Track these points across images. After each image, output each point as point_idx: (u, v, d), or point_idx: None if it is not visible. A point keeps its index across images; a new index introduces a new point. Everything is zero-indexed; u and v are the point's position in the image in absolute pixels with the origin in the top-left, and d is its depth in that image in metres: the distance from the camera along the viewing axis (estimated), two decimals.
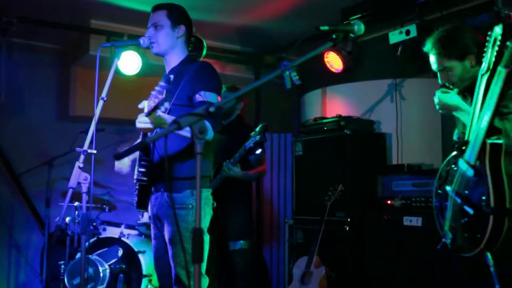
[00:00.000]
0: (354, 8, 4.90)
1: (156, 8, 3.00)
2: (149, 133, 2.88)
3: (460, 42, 2.56)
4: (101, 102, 2.87)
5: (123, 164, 3.26)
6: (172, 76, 2.96)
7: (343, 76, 5.29)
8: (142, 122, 2.58)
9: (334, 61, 5.14)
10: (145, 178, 2.86)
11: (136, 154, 3.10)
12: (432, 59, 2.63)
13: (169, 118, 2.62)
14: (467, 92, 2.63)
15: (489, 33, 2.18)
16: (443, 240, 2.60)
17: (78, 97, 5.72)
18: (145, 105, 2.52)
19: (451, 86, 2.60)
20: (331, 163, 4.69)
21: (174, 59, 2.99)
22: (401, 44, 4.57)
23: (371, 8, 4.81)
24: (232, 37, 5.84)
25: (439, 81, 2.63)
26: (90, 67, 3.01)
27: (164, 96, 2.37)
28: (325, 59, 5.18)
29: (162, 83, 2.47)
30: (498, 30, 2.08)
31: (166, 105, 2.51)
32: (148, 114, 2.50)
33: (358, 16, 4.79)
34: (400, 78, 5.06)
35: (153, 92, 2.44)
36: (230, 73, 6.04)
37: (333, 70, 5.19)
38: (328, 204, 4.41)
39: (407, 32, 4.45)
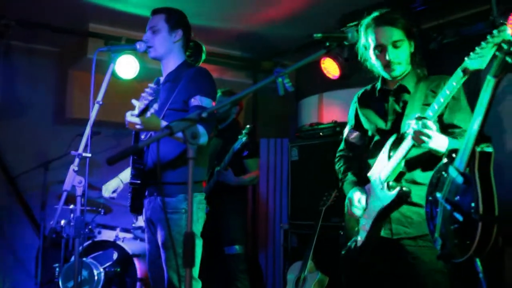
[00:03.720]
0: (352, 15, 4.92)
1: (155, 12, 3.02)
2: (141, 135, 2.90)
3: (405, 21, 2.58)
4: (96, 106, 2.89)
5: (108, 190, 3.33)
6: (161, 78, 2.99)
7: (339, 83, 5.31)
8: (133, 119, 2.59)
9: (330, 68, 5.16)
10: (138, 181, 2.87)
11: (121, 186, 3.15)
12: (382, 32, 2.56)
13: (162, 120, 2.65)
14: (399, 95, 2.63)
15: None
16: (350, 244, 2.72)
17: (75, 100, 5.74)
18: (137, 106, 2.54)
19: (395, 67, 2.57)
20: (326, 168, 4.69)
21: (171, 63, 3.01)
22: None
23: (369, 15, 4.83)
24: (230, 42, 5.86)
25: (389, 56, 2.54)
26: (88, 71, 3.03)
27: (153, 97, 2.40)
28: (322, 66, 5.20)
29: (152, 85, 2.49)
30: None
31: (155, 106, 2.53)
32: (138, 115, 2.52)
33: (356, 23, 4.81)
34: None
35: (143, 94, 2.47)
36: (227, 78, 6.05)
37: (330, 76, 5.20)
38: (323, 210, 4.42)
39: None
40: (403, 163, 2.44)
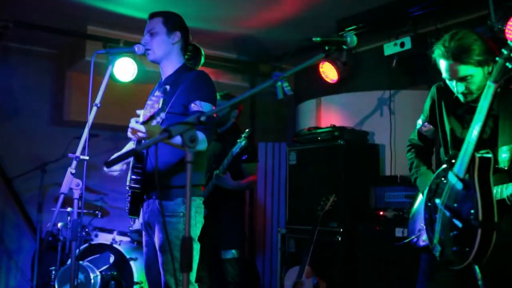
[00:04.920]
0: (350, 19, 4.94)
1: (153, 15, 3.01)
2: (142, 141, 2.89)
3: (478, 47, 2.38)
4: (94, 108, 2.87)
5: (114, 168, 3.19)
6: (168, 87, 2.96)
7: (338, 87, 5.32)
8: (138, 127, 2.56)
9: (329, 72, 5.17)
10: (138, 186, 2.85)
11: (130, 158, 3.07)
12: (448, 66, 2.41)
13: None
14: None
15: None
16: (409, 240, 2.66)
17: (73, 102, 5.72)
18: (141, 114, 2.52)
19: (460, 96, 2.46)
20: (324, 173, 4.70)
21: (170, 66, 3.00)
22: (396, 56, 4.60)
23: (367, 19, 4.85)
24: (228, 46, 5.86)
25: (457, 89, 2.43)
26: (86, 73, 3.02)
27: (160, 106, 2.37)
28: (321, 70, 5.21)
29: (158, 93, 2.46)
30: None
31: (162, 115, 2.50)
32: (143, 123, 2.49)
33: (353, 27, 4.83)
34: (394, 90, 5.08)
35: (148, 102, 2.44)
36: (225, 82, 6.05)
37: (328, 80, 5.21)
38: (321, 214, 4.41)
39: (402, 45, 4.49)
40: None
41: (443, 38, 2.46)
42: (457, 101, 2.54)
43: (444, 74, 2.44)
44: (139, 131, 2.54)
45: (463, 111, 2.53)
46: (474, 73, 2.37)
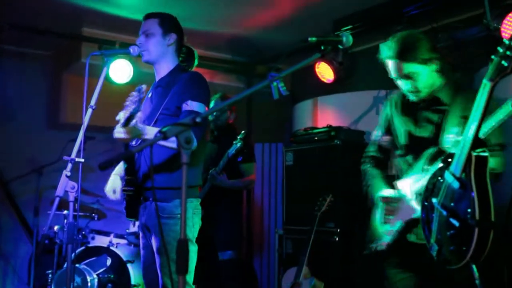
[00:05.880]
0: (346, 19, 4.93)
1: (148, 16, 3.01)
2: (132, 141, 2.88)
3: (422, 46, 2.50)
4: (89, 110, 2.87)
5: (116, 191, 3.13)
6: (156, 84, 2.97)
7: (334, 87, 5.31)
8: (119, 132, 2.58)
9: (325, 72, 5.16)
10: (131, 188, 2.85)
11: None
12: (394, 65, 2.54)
13: (143, 128, 2.63)
14: (433, 105, 2.59)
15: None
16: (373, 245, 2.66)
17: (69, 104, 5.71)
18: (121, 116, 2.53)
19: (409, 94, 2.56)
20: (321, 173, 4.69)
21: (164, 68, 2.99)
22: None
23: (363, 19, 4.85)
24: (224, 47, 5.85)
25: (404, 87, 2.55)
26: (82, 75, 3.01)
27: (136, 106, 2.39)
28: (317, 70, 5.20)
29: (134, 93, 2.48)
30: None
31: (139, 114, 2.51)
32: (123, 125, 2.50)
33: (349, 27, 4.83)
34: (390, 90, 5.07)
35: (126, 103, 2.45)
36: (221, 83, 6.04)
37: (325, 80, 5.20)
38: (318, 215, 4.40)
39: None
40: None
41: (389, 39, 2.60)
42: (410, 102, 2.66)
43: (391, 73, 2.57)
44: (121, 137, 2.57)
45: (416, 110, 2.65)
46: (419, 71, 2.49)
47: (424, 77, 2.52)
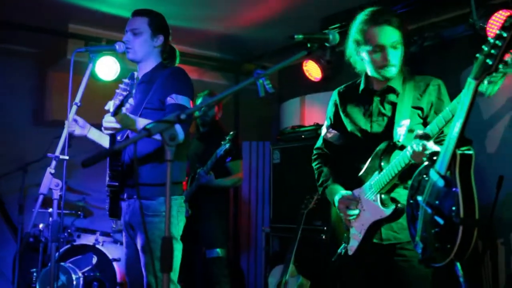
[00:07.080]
0: (334, 17, 4.93)
1: (137, 13, 2.97)
2: (118, 136, 2.85)
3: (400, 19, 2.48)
4: (74, 107, 2.85)
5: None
6: (139, 80, 2.95)
7: (322, 85, 5.31)
8: (109, 121, 2.55)
9: (312, 70, 5.16)
10: (115, 183, 2.83)
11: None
12: (382, 31, 2.44)
13: (135, 118, 2.61)
14: (386, 94, 2.57)
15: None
16: (340, 250, 2.68)
17: (55, 101, 5.66)
18: (111, 105, 2.49)
19: (391, 68, 2.49)
20: (308, 171, 4.66)
21: (147, 66, 2.99)
22: None
23: (350, 17, 4.84)
24: (212, 44, 5.83)
25: (391, 59, 2.46)
26: (68, 72, 2.98)
27: (128, 92, 2.36)
28: (304, 68, 5.20)
29: (126, 80, 2.45)
30: None
31: (131, 101, 2.48)
32: (114, 114, 2.47)
33: (337, 25, 4.82)
34: None
35: (117, 90, 2.42)
36: (210, 80, 6.02)
37: (312, 78, 5.20)
38: (305, 213, 4.40)
39: None
40: (397, 178, 2.41)
41: (364, 12, 2.55)
42: (362, 98, 2.63)
43: (377, 42, 2.45)
44: (111, 127, 2.54)
45: (369, 104, 2.61)
46: (401, 42, 2.46)
47: (400, 52, 2.50)
